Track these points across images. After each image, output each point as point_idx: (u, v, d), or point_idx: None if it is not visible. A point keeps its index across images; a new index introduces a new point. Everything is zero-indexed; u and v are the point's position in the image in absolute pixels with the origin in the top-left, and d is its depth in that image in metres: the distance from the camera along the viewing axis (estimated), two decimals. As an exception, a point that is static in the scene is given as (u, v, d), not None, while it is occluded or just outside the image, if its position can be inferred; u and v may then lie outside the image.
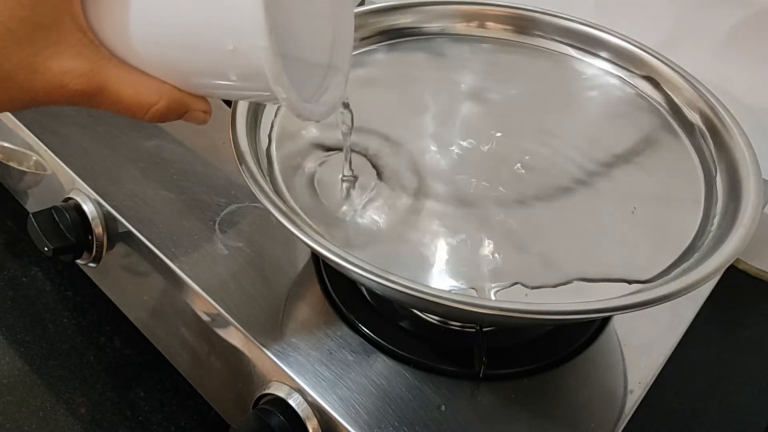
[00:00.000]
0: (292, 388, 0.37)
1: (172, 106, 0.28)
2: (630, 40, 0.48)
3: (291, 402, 0.37)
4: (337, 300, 0.41)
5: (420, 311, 0.42)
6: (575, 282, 0.35)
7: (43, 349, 0.50)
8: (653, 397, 0.40)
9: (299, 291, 0.42)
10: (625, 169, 0.42)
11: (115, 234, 0.47)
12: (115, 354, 0.50)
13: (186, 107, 0.29)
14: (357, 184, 0.40)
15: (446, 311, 0.38)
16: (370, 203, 0.39)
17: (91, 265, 0.51)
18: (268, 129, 0.42)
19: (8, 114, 0.53)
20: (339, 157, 0.41)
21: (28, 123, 0.52)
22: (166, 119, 0.29)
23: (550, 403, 0.38)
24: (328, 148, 0.42)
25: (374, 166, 0.41)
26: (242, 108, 0.40)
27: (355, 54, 0.49)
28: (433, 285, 0.34)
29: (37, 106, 0.27)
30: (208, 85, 0.29)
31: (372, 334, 0.40)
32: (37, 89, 0.26)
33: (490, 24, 0.52)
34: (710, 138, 0.43)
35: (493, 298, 0.34)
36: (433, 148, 0.42)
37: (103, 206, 0.46)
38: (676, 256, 0.37)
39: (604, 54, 0.49)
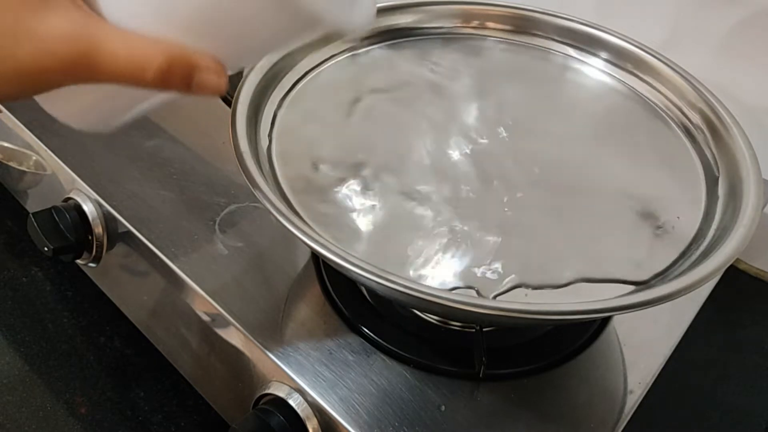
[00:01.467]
0: (292, 388, 0.37)
1: (174, 62, 0.26)
2: (630, 40, 0.48)
3: (291, 402, 0.37)
4: (337, 300, 0.41)
5: (420, 311, 0.42)
6: (575, 282, 0.35)
7: (43, 349, 0.50)
8: (653, 397, 0.40)
9: (299, 291, 0.42)
10: (625, 169, 0.42)
11: (115, 234, 0.47)
12: (115, 354, 0.50)
13: (191, 63, 0.26)
14: (357, 184, 0.40)
15: (446, 311, 0.38)
16: (370, 203, 0.39)
17: (91, 265, 0.51)
18: (268, 129, 0.42)
19: (8, 114, 0.53)
20: (339, 156, 0.41)
21: (28, 123, 0.52)
22: (171, 81, 0.26)
23: (550, 403, 0.38)
24: (329, 148, 0.42)
25: (374, 167, 0.41)
26: (242, 108, 0.40)
27: (355, 54, 0.49)
28: (433, 285, 0.34)
29: (30, 86, 0.26)
30: (207, 20, 0.26)
31: (372, 334, 0.40)
32: (24, 58, 0.25)
33: (490, 24, 0.52)
34: (710, 138, 0.43)
35: (492, 298, 0.34)
36: (433, 148, 0.42)
37: (103, 206, 0.46)
38: (676, 256, 0.37)
39: (604, 54, 0.49)
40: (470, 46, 0.51)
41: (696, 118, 0.45)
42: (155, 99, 0.30)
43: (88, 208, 0.47)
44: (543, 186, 0.41)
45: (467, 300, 0.31)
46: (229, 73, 0.28)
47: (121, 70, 0.25)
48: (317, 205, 0.38)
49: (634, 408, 0.38)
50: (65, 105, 0.30)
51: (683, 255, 0.37)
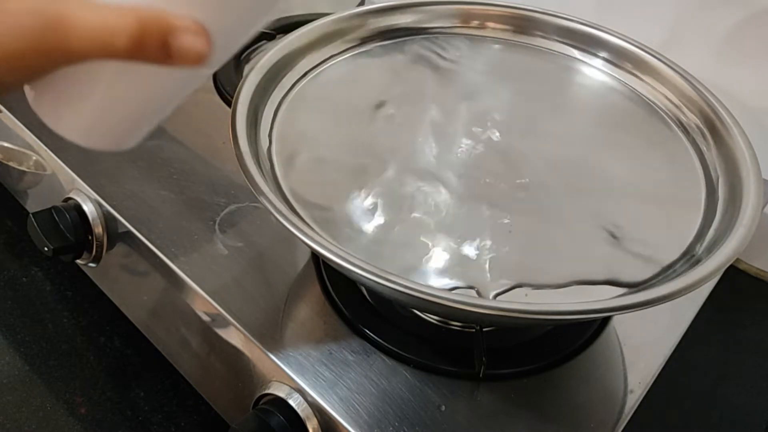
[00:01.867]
0: (292, 388, 0.37)
1: (148, 25, 0.24)
2: (630, 40, 0.48)
3: (291, 402, 0.37)
4: (337, 300, 0.41)
5: (420, 311, 0.42)
6: (575, 284, 0.35)
7: (43, 349, 0.50)
8: (653, 397, 0.40)
9: (299, 291, 0.42)
10: (624, 169, 0.42)
11: (115, 234, 0.47)
12: (115, 354, 0.50)
13: (166, 25, 0.24)
14: (358, 183, 0.40)
15: (446, 311, 0.38)
16: (370, 203, 0.39)
17: (91, 265, 0.51)
18: (268, 129, 0.42)
19: (8, 114, 0.53)
20: (339, 156, 0.41)
21: (28, 123, 0.52)
22: (146, 48, 0.24)
23: (550, 403, 0.38)
24: (329, 148, 0.42)
25: (374, 166, 0.41)
26: (242, 108, 0.40)
27: (355, 54, 0.49)
28: (433, 285, 0.34)
29: (10, 70, 0.25)
30: None
31: (372, 334, 0.40)
32: None
33: (490, 24, 0.52)
34: (710, 138, 0.43)
35: (492, 298, 0.34)
36: (433, 149, 0.42)
37: (103, 206, 0.46)
38: (675, 256, 0.37)
39: (604, 54, 0.49)
40: (470, 47, 0.51)
41: (696, 118, 0.45)
42: (165, 104, 0.29)
43: (88, 208, 0.47)
44: (543, 186, 0.41)
45: (467, 300, 0.31)
46: (215, 67, 0.27)
47: (90, 39, 0.24)
48: (317, 205, 0.38)
49: (634, 408, 0.38)
50: (69, 118, 0.30)
51: (683, 255, 0.37)
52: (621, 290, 0.35)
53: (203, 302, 0.41)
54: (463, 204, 0.39)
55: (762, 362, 0.53)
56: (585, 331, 0.42)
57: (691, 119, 0.45)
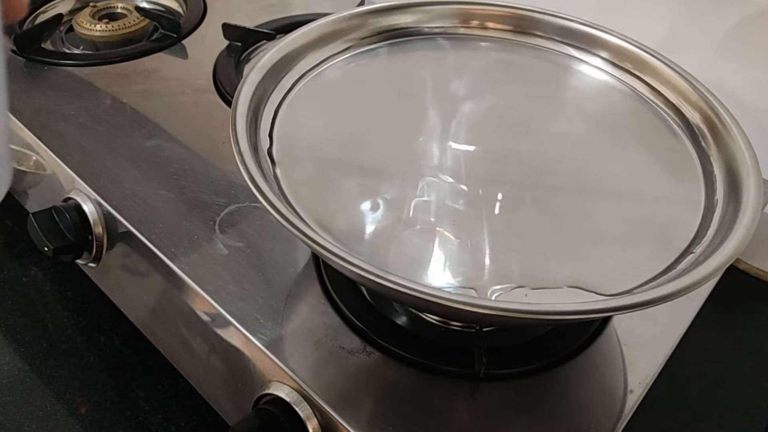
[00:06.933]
0: (292, 388, 0.37)
1: None
2: (630, 40, 0.48)
3: (291, 402, 0.37)
4: (337, 300, 0.41)
5: (420, 311, 0.42)
6: (574, 286, 0.35)
7: (43, 349, 0.51)
8: (653, 397, 0.40)
9: (299, 291, 0.42)
10: (624, 169, 0.42)
11: (115, 234, 0.47)
12: (115, 354, 0.50)
13: None
14: (358, 183, 0.40)
15: (446, 311, 0.38)
16: (370, 202, 0.39)
17: (91, 265, 0.51)
18: (268, 129, 0.42)
19: (8, 114, 0.53)
20: (339, 156, 0.41)
21: (28, 123, 0.52)
22: None
23: (550, 403, 0.38)
24: (329, 148, 0.42)
25: (374, 166, 0.41)
26: (242, 108, 0.40)
27: (355, 54, 0.49)
28: (432, 285, 0.34)
29: None
30: None
31: (372, 334, 0.40)
32: None
33: (490, 24, 0.52)
34: (710, 138, 0.43)
35: (492, 298, 0.34)
36: (433, 149, 0.42)
37: (103, 206, 0.46)
38: (675, 257, 0.37)
39: (603, 54, 0.49)
40: (470, 46, 0.51)
41: (696, 118, 0.45)
42: None
43: (88, 208, 0.47)
44: (543, 186, 0.41)
45: (467, 300, 0.31)
46: None
47: None
48: (317, 205, 0.38)
49: (634, 408, 0.38)
50: None
51: (682, 255, 0.37)
52: (620, 291, 0.35)
53: (203, 302, 0.41)
54: (462, 205, 0.39)
55: (762, 362, 0.53)
56: (585, 331, 0.42)
57: (691, 119, 0.45)
